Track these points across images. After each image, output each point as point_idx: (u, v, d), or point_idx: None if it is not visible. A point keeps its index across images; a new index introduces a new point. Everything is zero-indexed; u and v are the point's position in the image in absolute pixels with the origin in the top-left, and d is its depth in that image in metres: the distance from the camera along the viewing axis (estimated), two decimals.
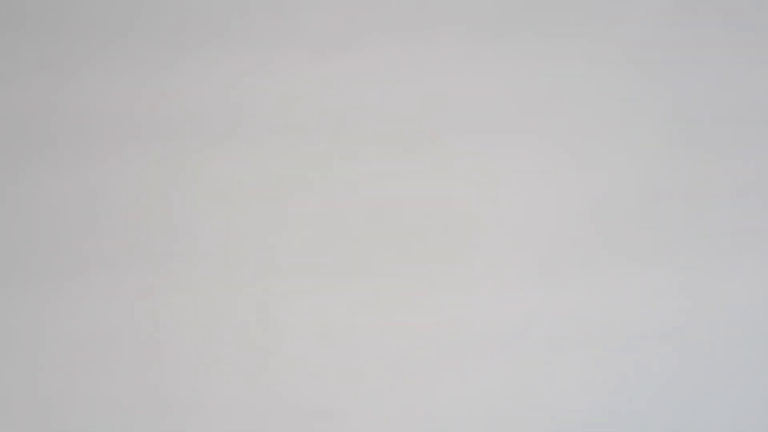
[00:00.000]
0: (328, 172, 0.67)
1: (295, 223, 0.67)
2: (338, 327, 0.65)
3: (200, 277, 0.66)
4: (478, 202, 0.66)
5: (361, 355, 0.66)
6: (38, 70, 0.70)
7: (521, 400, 0.64)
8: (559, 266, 0.64)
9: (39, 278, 0.68)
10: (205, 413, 0.66)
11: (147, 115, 0.69)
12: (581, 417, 0.64)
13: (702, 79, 0.66)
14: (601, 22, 0.67)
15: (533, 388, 0.64)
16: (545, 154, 0.65)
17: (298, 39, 0.69)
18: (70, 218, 0.68)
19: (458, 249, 0.65)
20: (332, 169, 0.66)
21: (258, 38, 0.69)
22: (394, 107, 0.67)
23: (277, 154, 0.67)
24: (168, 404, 0.66)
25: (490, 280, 0.65)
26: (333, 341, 0.65)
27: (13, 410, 0.67)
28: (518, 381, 0.64)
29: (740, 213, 0.65)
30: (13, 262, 0.68)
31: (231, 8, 0.70)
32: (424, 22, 0.68)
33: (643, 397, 0.64)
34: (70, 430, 0.66)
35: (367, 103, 0.67)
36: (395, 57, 0.68)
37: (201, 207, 0.68)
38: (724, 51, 0.67)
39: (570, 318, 0.64)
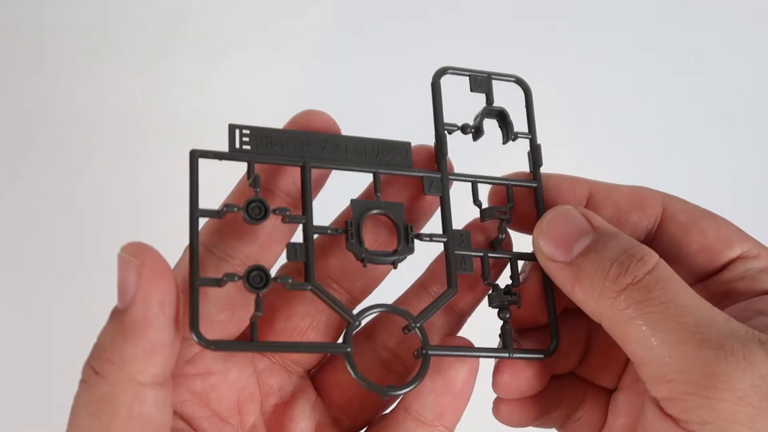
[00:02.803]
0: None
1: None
2: None
3: None
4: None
5: None
6: (39, 71, 0.70)
7: None
8: None
9: (40, 277, 0.68)
10: None
11: (147, 115, 0.69)
12: None
13: (702, 79, 0.66)
14: (602, 22, 0.67)
15: None
16: (544, 154, 0.66)
17: (297, 39, 0.69)
18: (72, 217, 0.68)
19: None
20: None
21: (258, 38, 0.69)
22: (393, 107, 0.67)
23: None
24: None
25: None
26: None
27: (17, 410, 0.67)
28: None
29: (740, 213, 0.65)
30: (14, 261, 0.68)
31: (231, 10, 0.70)
32: (425, 22, 0.68)
33: None
34: None
35: (367, 103, 0.67)
36: (395, 57, 0.68)
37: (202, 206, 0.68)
38: (725, 51, 0.67)
39: None
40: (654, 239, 0.31)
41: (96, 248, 0.67)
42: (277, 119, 0.31)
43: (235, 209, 0.28)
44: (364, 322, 0.29)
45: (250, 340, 0.27)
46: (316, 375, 0.32)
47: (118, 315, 0.26)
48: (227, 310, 0.29)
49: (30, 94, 0.69)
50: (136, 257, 0.26)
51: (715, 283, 0.30)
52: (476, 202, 0.32)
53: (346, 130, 0.31)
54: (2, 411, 0.67)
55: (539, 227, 0.30)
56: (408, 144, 0.31)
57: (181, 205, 0.74)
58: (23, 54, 0.70)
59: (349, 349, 0.28)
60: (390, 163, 0.31)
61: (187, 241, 0.29)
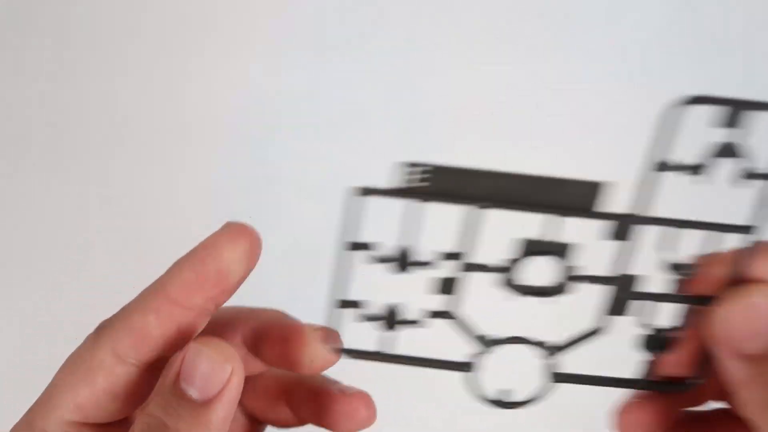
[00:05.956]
0: (329, 173, 0.67)
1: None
2: None
3: None
4: None
5: None
6: (39, 72, 0.70)
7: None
8: None
9: (40, 278, 0.68)
10: None
11: (147, 115, 0.69)
12: (584, 411, 0.64)
13: (702, 79, 0.66)
14: (602, 22, 0.67)
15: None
16: (544, 155, 0.66)
17: (298, 39, 0.69)
18: (73, 218, 0.68)
19: None
20: (333, 169, 0.67)
21: (258, 38, 0.69)
22: (393, 108, 0.67)
23: (278, 153, 0.67)
24: None
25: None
26: None
27: (17, 410, 0.67)
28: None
29: (740, 212, 0.65)
30: (14, 262, 0.68)
31: (231, 9, 0.70)
32: (425, 22, 0.68)
33: None
34: None
35: (367, 104, 0.67)
36: (396, 57, 0.68)
37: (203, 206, 0.68)
38: (724, 50, 0.67)
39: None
40: None
41: (99, 246, 0.67)
42: (275, 119, 0.32)
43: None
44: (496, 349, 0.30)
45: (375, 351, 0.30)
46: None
47: (194, 405, 0.28)
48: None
49: (31, 94, 0.69)
50: (230, 362, 0.28)
51: None
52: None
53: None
54: (2, 410, 0.67)
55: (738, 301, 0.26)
56: (595, 184, 0.28)
57: (185, 204, 0.73)
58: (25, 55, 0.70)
59: (474, 369, 0.29)
60: (569, 203, 0.28)
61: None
